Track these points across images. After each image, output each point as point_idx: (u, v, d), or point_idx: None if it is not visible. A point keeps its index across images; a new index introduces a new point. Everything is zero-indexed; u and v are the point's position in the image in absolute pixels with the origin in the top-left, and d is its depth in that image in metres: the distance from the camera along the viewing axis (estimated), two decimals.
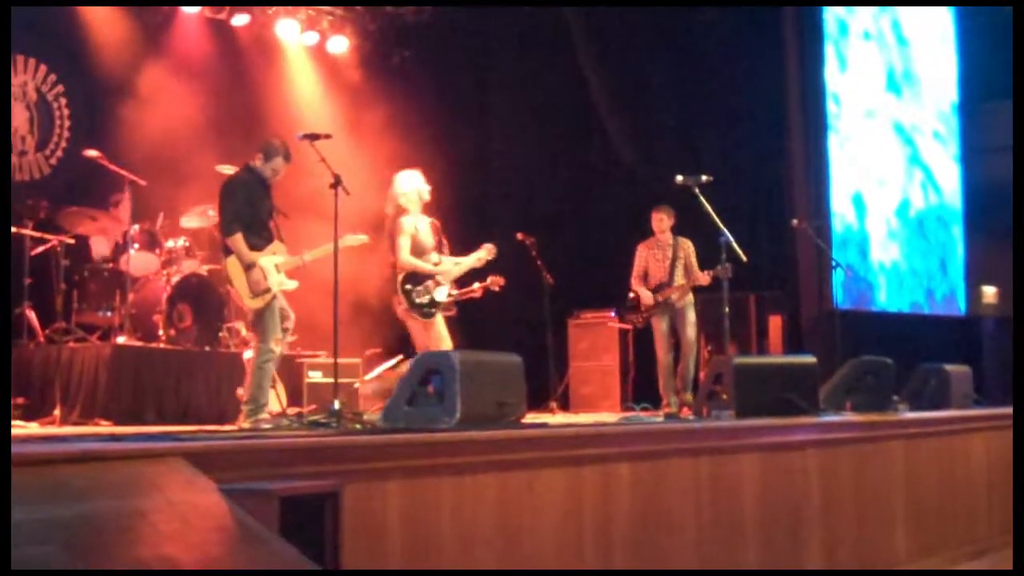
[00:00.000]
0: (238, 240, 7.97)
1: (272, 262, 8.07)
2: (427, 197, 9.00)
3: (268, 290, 7.96)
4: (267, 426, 7.60)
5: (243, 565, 3.74)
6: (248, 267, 7.95)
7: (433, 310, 8.76)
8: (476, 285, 10.81)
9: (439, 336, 8.85)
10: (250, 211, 8.09)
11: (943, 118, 17.56)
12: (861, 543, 8.38)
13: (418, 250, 8.89)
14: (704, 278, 10.57)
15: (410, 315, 8.79)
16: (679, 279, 10.75)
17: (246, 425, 7.72)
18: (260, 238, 8.12)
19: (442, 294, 8.80)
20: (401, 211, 8.89)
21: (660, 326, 10.74)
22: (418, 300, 8.75)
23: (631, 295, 10.80)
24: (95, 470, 3.96)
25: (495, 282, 10.82)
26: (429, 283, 8.78)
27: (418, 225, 8.95)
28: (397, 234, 8.86)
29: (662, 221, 10.85)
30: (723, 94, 13.87)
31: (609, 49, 13.73)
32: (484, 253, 9.29)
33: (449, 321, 10.70)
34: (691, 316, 10.73)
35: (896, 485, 8.95)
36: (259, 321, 8.03)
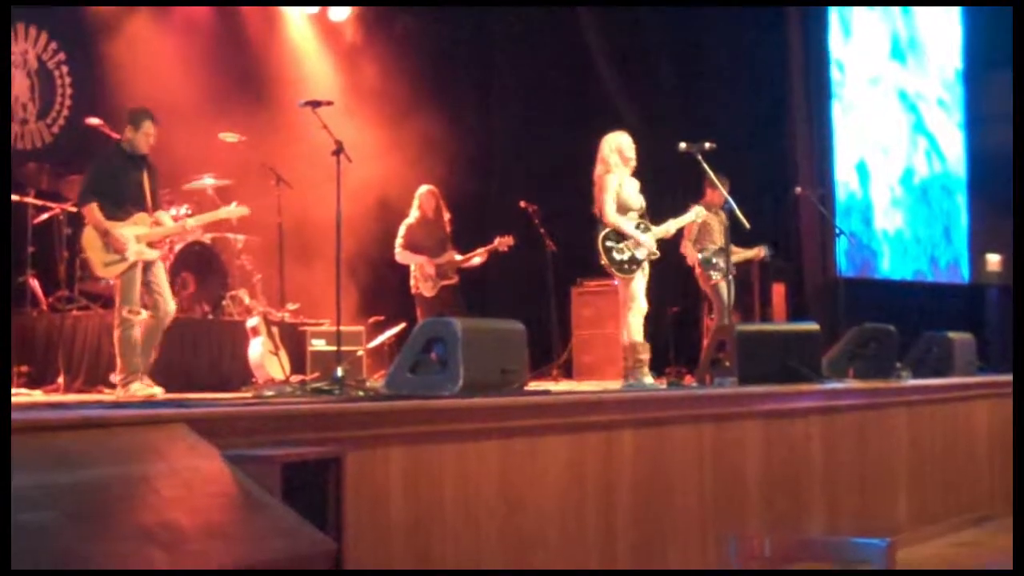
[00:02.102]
0: (92, 210, 8.09)
1: (132, 232, 8.13)
2: (629, 155, 8.96)
3: (124, 259, 8.06)
4: (151, 390, 7.88)
5: (246, 531, 3.75)
6: (103, 235, 8.06)
7: (633, 267, 8.78)
8: (481, 249, 10.83)
9: (635, 293, 8.87)
10: (112, 184, 8.20)
11: (947, 85, 17.51)
12: (863, 510, 8.39)
13: (622, 208, 8.89)
14: (762, 253, 10.74)
15: (610, 269, 8.85)
16: (734, 249, 10.76)
17: (120, 395, 7.85)
18: (121, 210, 8.18)
19: (642, 252, 8.82)
20: (607, 170, 8.89)
21: (724, 288, 10.69)
22: (618, 257, 8.78)
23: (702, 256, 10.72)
24: (98, 437, 3.96)
25: (503, 242, 10.83)
26: (630, 241, 8.79)
27: (624, 184, 8.94)
28: (603, 191, 8.88)
29: (723, 194, 10.84)
30: (726, 61, 13.81)
31: (612, 14, 13.66)
32: (693, 215, 9.38)
33: (453, 289, 10.73)
34: None
35: (899, 452, 8.96)
36: (119, 290, 8.15)
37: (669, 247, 9.42)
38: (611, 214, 8.80)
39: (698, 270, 10.65)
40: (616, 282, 12.77)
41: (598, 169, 8.98)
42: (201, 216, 9.20)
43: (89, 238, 8.15)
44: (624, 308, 8.90)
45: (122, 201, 8.19)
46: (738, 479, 7.29)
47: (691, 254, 10.65)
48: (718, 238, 10.65)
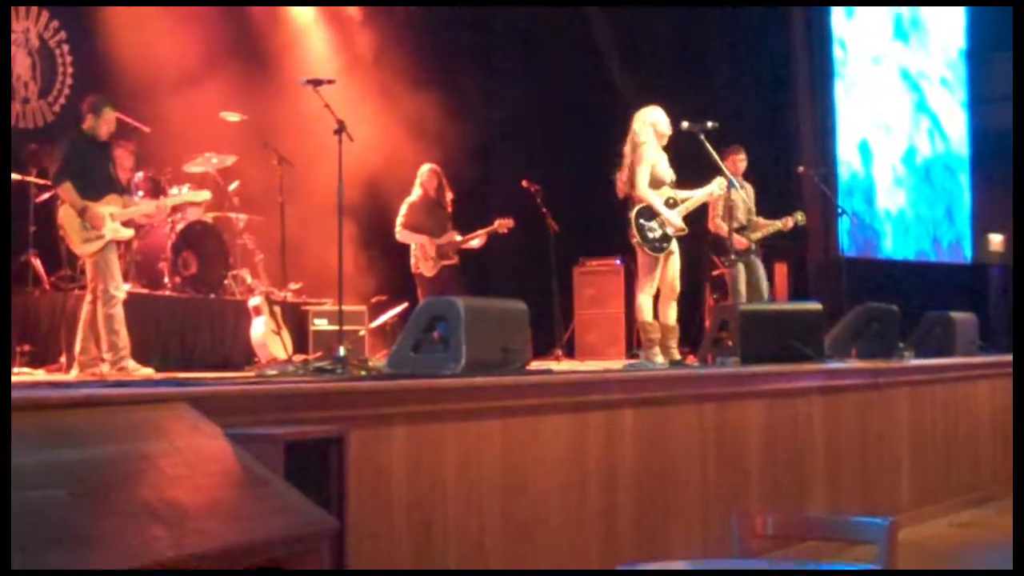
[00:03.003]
0: (67, 188, 8.30)
1: (107, 211, 8.35)
2: (665, 130, 8.93)
3: (101, 236, 8.26)
4: (140, 369, 8.13)
5: (248, 509, 3.75)
6: (81, 212, 8.24)
7: (665, 244, 8.76)
8: (481, 231, 10.81)
9: (665, 274, 8.85)
10: (83, 166, 8.38)
11: (950, 65, 17.48)
12: (865, 489, 8.40)
13: (655, 183, 8.87)
14: (787, 222, 10.70)
15: (641, 248, 8.81)
16: (758, 220, 10.75)
17: (113, 373, 8.01)
18: (95, 191, 8.37)
19: (672, 229, 8.80)
20: (644, 142, 8.85)
21: (743, 270, 10.68)
22: (650, 235, 8.75)
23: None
24: (100, 415, 3.96)
25: (503, 224, 10.80)
26: (659, 218, 8.77)
27: (658, 158, 8.91)
28: (637, 163, 8.84)
29: (742, 162, 10.84)
30: (730, 39, 13.79)
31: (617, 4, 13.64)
32: (716, 187, 9.19)
33: (454, 269, 10.72)
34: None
35: (900, 432, 8.97)
36: (97, 268, 8.33)
37: None
38: (643, 188, 8.77)
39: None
40: (619, 262, 12.88)
41: (629, 144, 8.93)
42: (172, 198, 9.75)
43: (67, 216, 8.36)
44: (638, 287, 8.89)
45: (94, 183, 8.39)
46: (740, 458, 7.29)
47: (723, 230, 10.59)
48: (741, 215, 10.64)
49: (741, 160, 10.82)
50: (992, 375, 10.41)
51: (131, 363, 8.08)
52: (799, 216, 10.81)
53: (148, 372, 8.09)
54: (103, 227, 8.25)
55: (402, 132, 11.87)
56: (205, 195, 9.74)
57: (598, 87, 13.70)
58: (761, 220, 10.80)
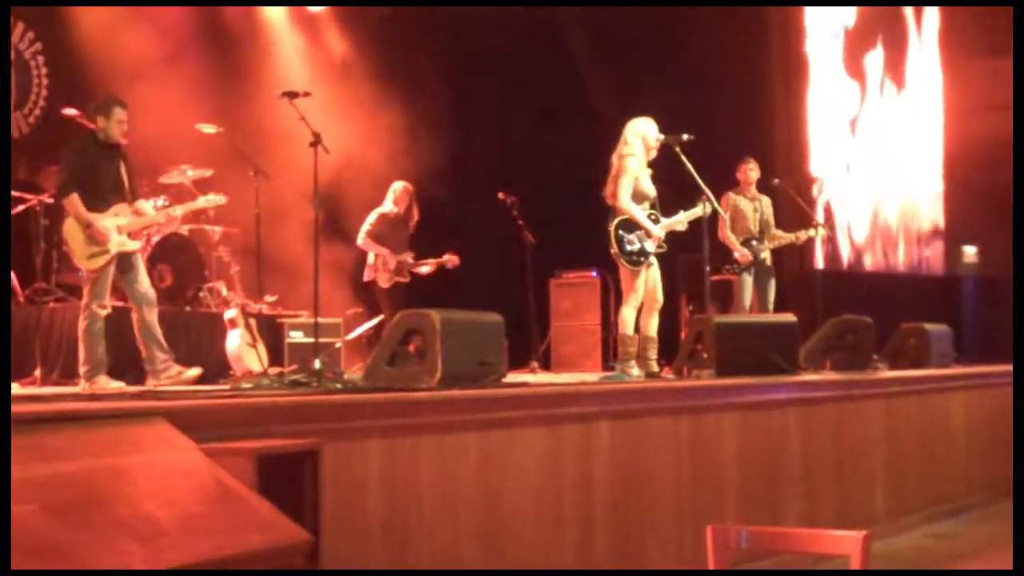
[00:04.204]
0: (73, 201, 7.95)
1: (114, 223, 8.02)
2: (653, 144, 8.89)
3: (106, 251, 7.94)
4: (117, 384, 7.87)
5: (222, 523, 3.74)
6: (86, 227, 7.92)
7: (642, 259, 8.71)
8: (431, 260, 10.92)
9: (646, 285, 8.81)
10: (89, 175, 8.06)
11: (926, 75, 17.54)
12: (840, 501, 8.43)
13: (637, 197, 8.82)
14: (803, 236, 10.77)
15: (619, 260, 8.77)
16: (775, 233, 10.77)
17: (87, 389, 7.79)
18: (102, 201, 8.05)
19: (652, 245, 8.76)
20: (630, 154, 8.82)
21: (748, 282, 10.69)
22: (628, 248, 8.71)
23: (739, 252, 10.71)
24: (74, 429, 3.95)
25: (450, 260, 10.94)
26: (641, 231, 8.73)
27: (642, 173, 8.87)
28: (621, 174, 8.78)
29: (753, 171, 10.86)
30: (705, 51, 13.81)
31: (591, 8, 13.66)
32: (700, 209, 9.04)
33: (428, 283, 10.75)
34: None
35: (875, 444, 9.00)
36: (91, 283, 8.02)
37: None
38: (625, 199, 8.74)
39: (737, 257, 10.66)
40: (595, 274, 12.90)
41: (616, 154, 8.90)
42: (183, 205, 9.11)
43: (70, 230, 8.02)
44: (623, 300, 8.87)
45: (102, 191, 8.07)
46: (716, 471, 7.31)
47: (731, 241, 10.62)
48: (752, 225, 10.66)
49: (752, 170, 10.89)
50: (967, 387, 10.45)
51: (102, 379, 7.92)
52: (819, 231, 10.90)
53: (119, 386, 7.99)
54: (108, 241, 7.93)
55: (377, 143, 11.87)
56: (220, 199, 9.20)
57: (574, 98, 13.71)
58: (778, 232, 10.84)
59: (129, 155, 8.36)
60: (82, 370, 7.99)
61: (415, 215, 11.02)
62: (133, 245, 8.17)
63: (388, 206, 10.88)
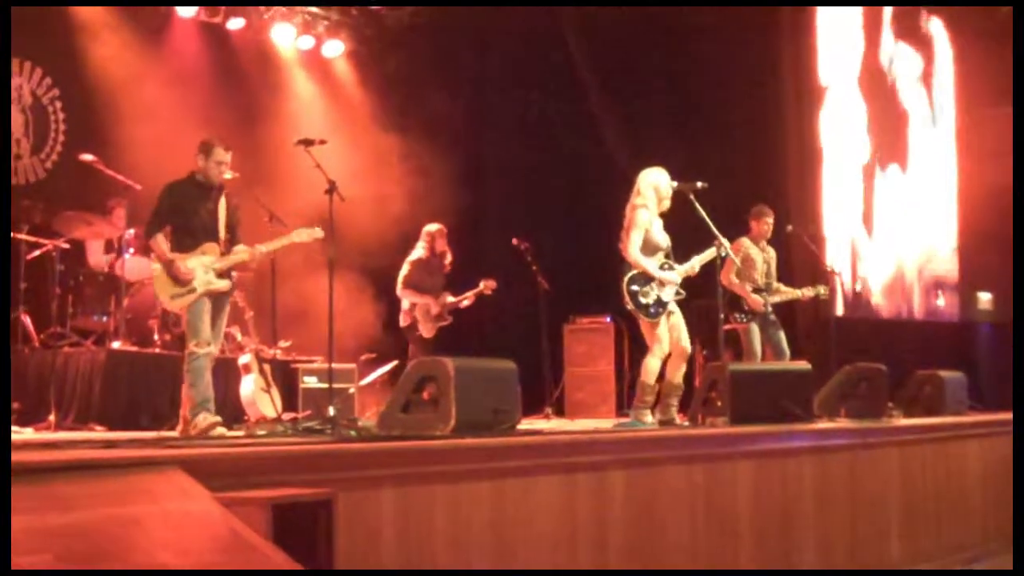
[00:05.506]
0: (157, 241, 7.96)
1: (200, 262, 7.95)
2: (665, 194, 8.83)
3: (191, 290, 7.87)
4: (214, 419, 7.66)
5: (236, 572, 3.74)
6: (167, 266, 7.88)
7: (660, 310, 8.67)
8: (469, 293, 10.85)
9: (671, 334, 8.76)
10: (180, 217, 8.03)
11: (939, 120, 17.57)
12: (855, 551, 8.37)
13: (649, 248, 8.77)
14: (808, 293, 10.83)
15: (636, 314, 8.73)
16: (779, 286, 10.77)
17: (193, 429, 7.68)
18: (191, 240, 8.02)
19: (669, 294, 8.70)
20: (642, 205, 8.80)
21: (757, 330, 10.69)
22: (644, 301, 8.67)
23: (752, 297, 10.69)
24: (89, 478, 3.95)
25: (488, 286, 10.84)
26: (655, 283, 8.69)
27: (653, 223, 8.84)
28: (631, 227, 8.75)
29: (768, 224, 10.87)
30: (718, 97, 13.86)
31: (606, 54, 13.73)
32: (712, 252, 9.03)
33: (443, 329, 10.73)
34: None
35: (891, 492, 8.95)
36: (185, 323, 7.98)
37: None
38: (634, 252, 8.68)
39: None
40: (609, 320, 12.90)
41: (629, 204, 8.86)
42: (272, 243, 8.43)
43: (155, 271, 8.01)
44: (648, 350, 8.80)
45: (191, 231, 8.03)
46: (730, 519, 7.27)
47: (738, 287, 10.60)
48: (759, 275, 10.66)
49: (767, 223, 10.87)
50: (982, 434, 10.39)
51: (200, 416, 7.70)
52: (822, 290, 10.90)
53: (216, 420, 7.72)
54: (192, 280, 7.85)
55: (393, 190, 11.93)
56: (318, 232, 8.32)
57: (589, 146, 13.77)
58: (781, 286, 10.84)
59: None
60: (188, 413, 7.81)
61: (448, 256, 10.96)
62: (221, 284, 8.03)
63: (419, 252, 10.85)
